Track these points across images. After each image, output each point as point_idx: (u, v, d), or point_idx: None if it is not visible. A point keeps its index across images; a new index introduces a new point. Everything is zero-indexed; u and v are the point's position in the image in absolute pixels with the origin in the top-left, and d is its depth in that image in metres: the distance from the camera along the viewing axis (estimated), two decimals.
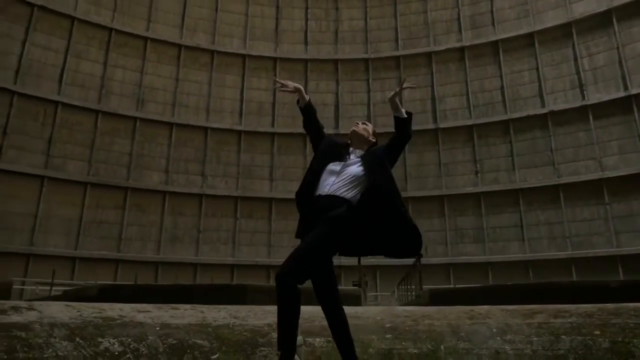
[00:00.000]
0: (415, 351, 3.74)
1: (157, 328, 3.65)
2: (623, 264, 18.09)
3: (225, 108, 23.22)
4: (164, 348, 3.43)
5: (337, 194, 2.96)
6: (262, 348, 3.71)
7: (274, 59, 23.85)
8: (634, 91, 19.07)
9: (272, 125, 23.32)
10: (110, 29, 21.38)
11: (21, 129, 19.08)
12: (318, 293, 2.94)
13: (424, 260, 20.74)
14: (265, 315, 4.33)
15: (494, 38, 22.33)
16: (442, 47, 23.08)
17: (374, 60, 23.79)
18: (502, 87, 22.00)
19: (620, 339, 3.54)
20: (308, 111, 3.37)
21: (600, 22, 20.37)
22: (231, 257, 21.52)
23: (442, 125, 22.43)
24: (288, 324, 2.68)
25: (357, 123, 3.36)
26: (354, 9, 24.47)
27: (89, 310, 3.71)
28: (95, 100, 20.87)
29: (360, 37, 24.15)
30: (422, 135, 22.54)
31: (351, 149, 3.25)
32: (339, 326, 2.91)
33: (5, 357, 2.75)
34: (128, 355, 3.23)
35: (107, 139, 20.91)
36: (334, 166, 3.09)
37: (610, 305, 4.32)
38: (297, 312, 2.69)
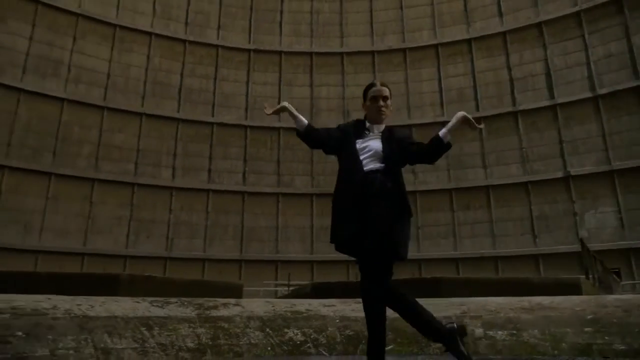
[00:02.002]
0: (622, 347, 3.13)
1: (337, 320, 3.94)
2: None
3: (425, 102, 23.02)
4: (341, 338, 3.69)
5: (368, 168, 2.97)
6: None
7: (468, 41, 22.63)
8: None
9: (477, 109, 22.07)
10: (311, 53, 23.68)
11: (256, 156, 22.67)
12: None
13: None
14: (447, 308, 4.20)
15: None
16: None
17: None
18: None
19: None
20: (312, 135, 3.17)
21: None
22: (454, 251, 21.18)
23: None
24: (381, 337, 2.62)
25: (380, 103, 3.13)
26: None
27: (282, 305, 4.24)
28: (308, 120, 23.29)
29: None
30: None
31: (367, 124, 3.17)
32: (408, 309, 2.73)
33: (210, 343, 3.39)
34: (308, 345, 3.58)
35: (321, 152, 23.02)
36: (358, 145, 3.08)
37: None
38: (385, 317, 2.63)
